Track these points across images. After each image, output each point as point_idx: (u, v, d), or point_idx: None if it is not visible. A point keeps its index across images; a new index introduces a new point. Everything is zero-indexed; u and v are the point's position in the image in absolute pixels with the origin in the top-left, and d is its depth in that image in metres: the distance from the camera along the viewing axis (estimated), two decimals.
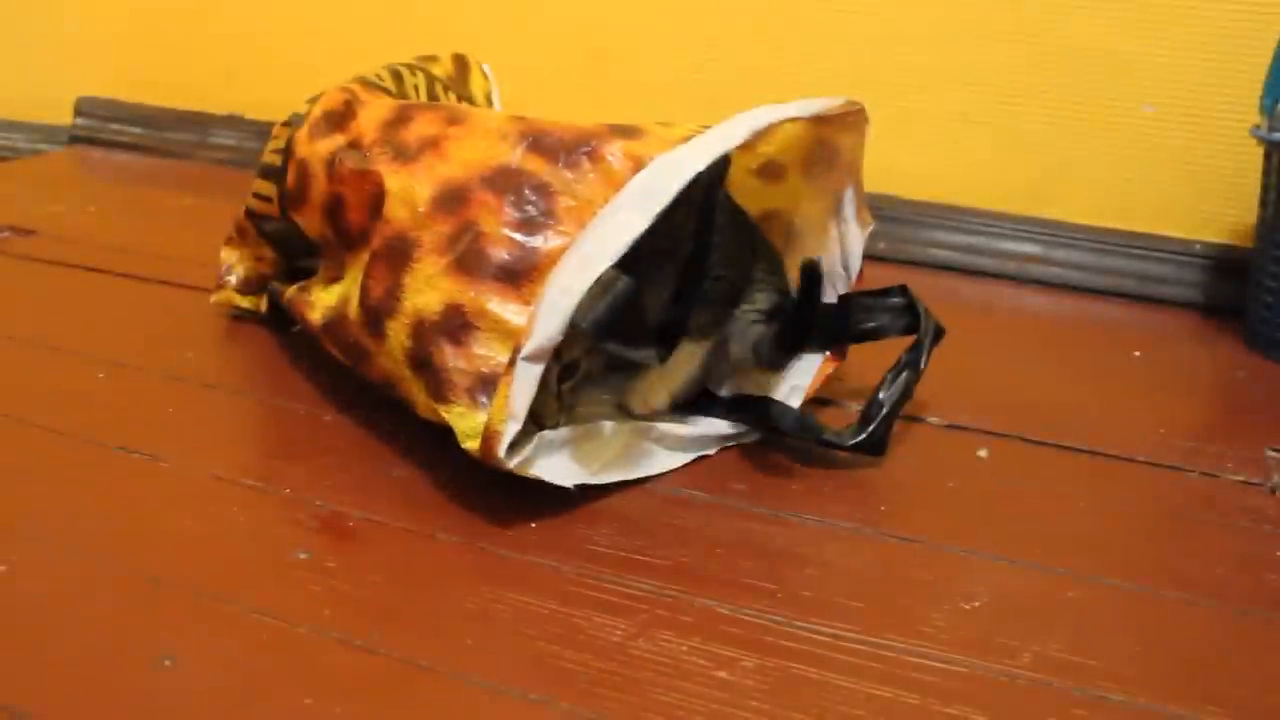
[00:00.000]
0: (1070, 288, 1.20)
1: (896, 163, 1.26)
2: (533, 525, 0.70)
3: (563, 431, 0.73)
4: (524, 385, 0.66)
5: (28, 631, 0.59)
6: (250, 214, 0.95)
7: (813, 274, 0.77)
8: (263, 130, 1.51)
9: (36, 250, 1.18)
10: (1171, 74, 1.15)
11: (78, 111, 1.68)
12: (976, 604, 0.64)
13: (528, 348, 0.66)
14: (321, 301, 0.82)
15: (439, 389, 0.70)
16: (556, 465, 0.72)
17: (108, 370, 0.90)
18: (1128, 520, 0.74)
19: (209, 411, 0.84)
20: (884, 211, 1.26)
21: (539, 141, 0.73)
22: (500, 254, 0.70)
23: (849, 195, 0.84)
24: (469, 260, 0.70)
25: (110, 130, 1.66)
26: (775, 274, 0.83)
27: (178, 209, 1.38)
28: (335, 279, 0.83)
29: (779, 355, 0.82)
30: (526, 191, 0.71)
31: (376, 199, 0.76)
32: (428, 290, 0.71)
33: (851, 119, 0.80)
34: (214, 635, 0.59)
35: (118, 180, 1.52)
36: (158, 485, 0.73)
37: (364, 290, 0.75)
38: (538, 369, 0.66)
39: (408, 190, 0.75)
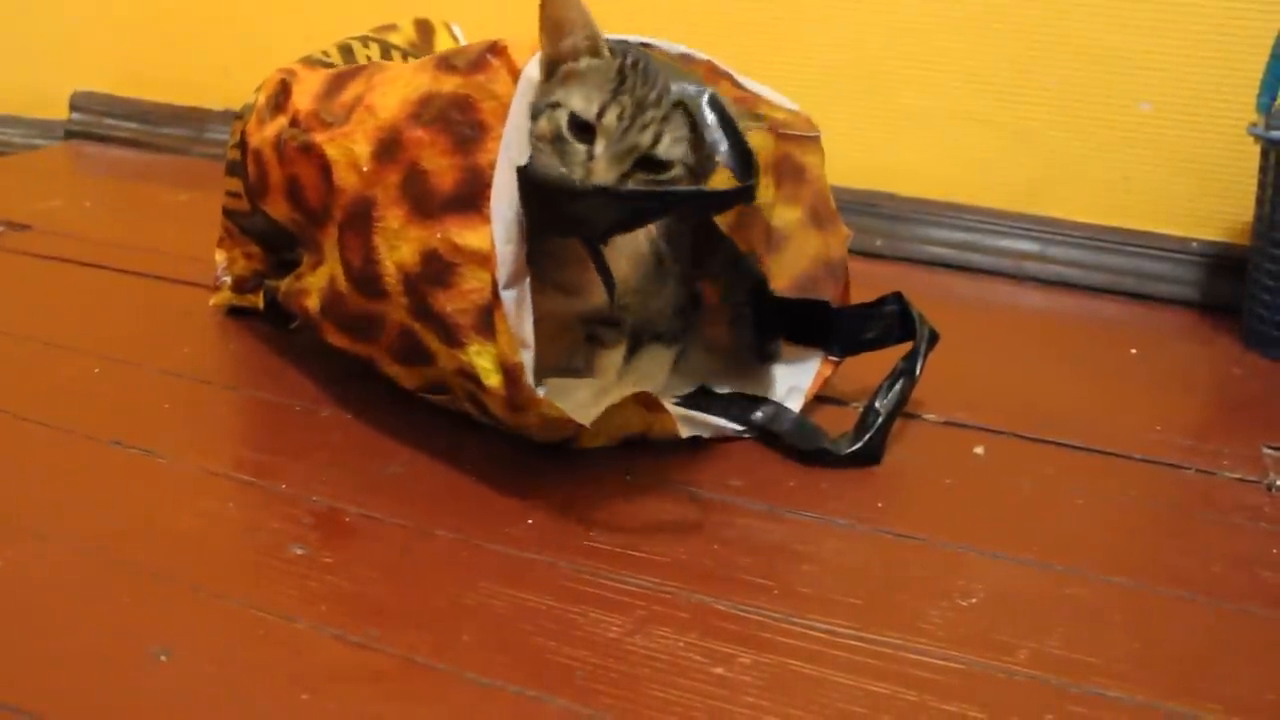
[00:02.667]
0: (1067, 285, 1.20)
1: (895, 160, 1.26)
2: (529, 521, 0.70)
3: (573, 381, 0.75)
4: (518, 311, 0.67)
5: (22, 626, 0.58)
6: (227, 213, 0.95)
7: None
8: None
9: (31, 245, 1.18)
10: (1169, 72, 1.15)
11: (73, 106, 1.67)
12: (974, 600, 0.64)
13: (502, 276, 0.66)
14: (314, 286, 0.82)
15: (449, 335, 0.70)
16: (570, 404, 0.72)
17: (103, 365, 0.89)
18: (1125, 517, 0.74)
19: (204, 407, 0.84)
20: (882, 208, 1.26)
21: (447, 60, 0.72)
22: (448, 185, 0.69)
23: (821, 210, 0.85)
24: (424, 203, 0.70)
25: (106, 125, 1.65)
26: (733, 262, 0.86)
27: (173, 204, 1.38)
28: (319, 262, 0.82)
29: (757, 341, 0.84)
30: (450, 111, 0.70)
31: (326, 171, 0.76)
32: (400, 245, 0.71)
33: (811, 143, 0.82)
34: (210, 630, 0.59)
35: (113, 175, 1.52)
36: (153, 480, 0.73)
37: (345, 265, 0.75)
38: (521, 290, 0.67)
39: (348, 154, 0.74)
